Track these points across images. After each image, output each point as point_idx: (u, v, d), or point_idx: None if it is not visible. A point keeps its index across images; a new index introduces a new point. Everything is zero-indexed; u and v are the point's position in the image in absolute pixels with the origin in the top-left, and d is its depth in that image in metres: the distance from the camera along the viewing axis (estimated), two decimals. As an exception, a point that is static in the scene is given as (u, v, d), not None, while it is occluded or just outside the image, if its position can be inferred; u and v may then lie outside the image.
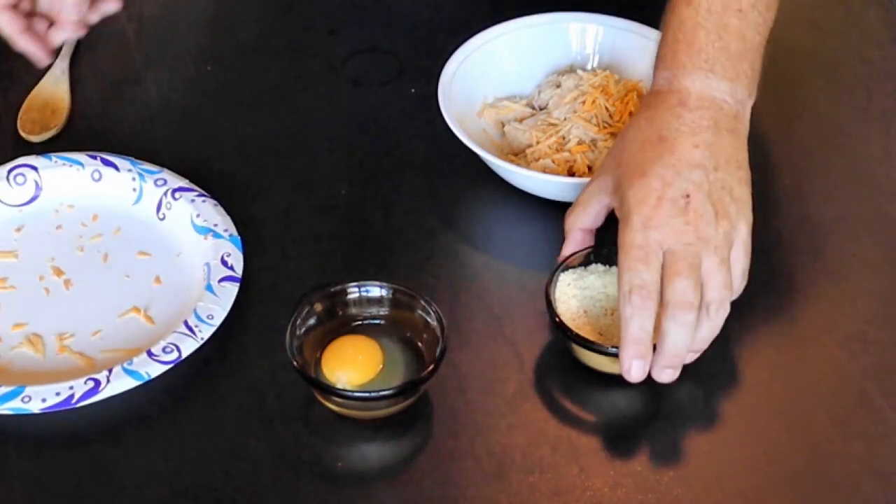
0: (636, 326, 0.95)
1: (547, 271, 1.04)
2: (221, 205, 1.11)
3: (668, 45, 1.03)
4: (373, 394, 0.96)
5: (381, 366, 0.98)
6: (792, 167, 1.18)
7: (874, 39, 1.30)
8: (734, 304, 0.98)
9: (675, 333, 0.95)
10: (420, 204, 1.14)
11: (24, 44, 1.14)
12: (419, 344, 1.00)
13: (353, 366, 0.98)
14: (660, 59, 1.04)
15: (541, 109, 1.18)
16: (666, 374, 0.97)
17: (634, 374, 0.96)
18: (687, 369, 1.01)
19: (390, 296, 1.01)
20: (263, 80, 1.26)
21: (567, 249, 1.04)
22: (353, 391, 0.97)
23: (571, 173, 1.13)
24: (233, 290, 1.04)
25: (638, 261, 0.95)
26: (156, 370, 0.99)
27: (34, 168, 1.13)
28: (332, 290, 1.01)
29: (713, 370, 1.02)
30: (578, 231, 1.03)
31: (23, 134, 1.19)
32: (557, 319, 0.99)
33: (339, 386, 0.97)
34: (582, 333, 0.99)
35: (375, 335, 1.00)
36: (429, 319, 1.00)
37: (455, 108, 1.14)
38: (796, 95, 1.25)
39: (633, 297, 0.95)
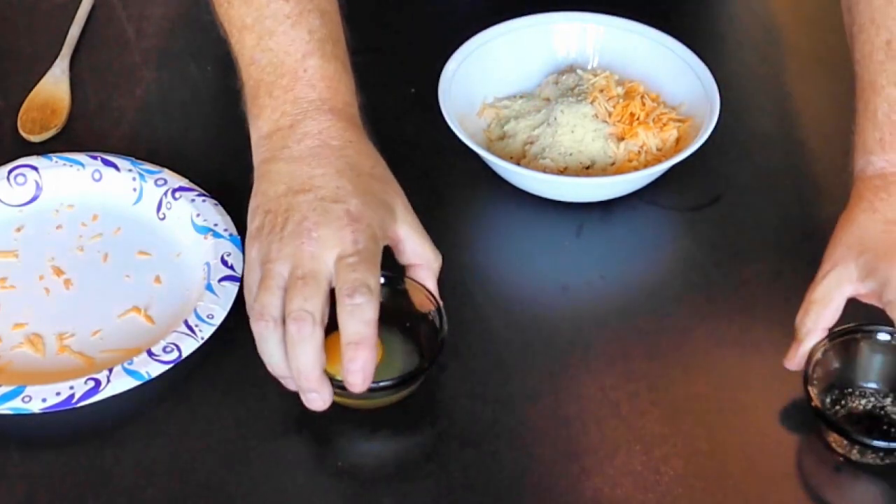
0: None
1: (546, 271, 1.04)
2: (221, 205, 1.11)
3: (882, 128, 1.01)
4: (371, 385, 0.95)
5: (379, 356, 0.98)
6: (792, 167, 1.18)
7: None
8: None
9: None
10: (420, 204, 1.14)
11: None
12: (419, 334, 1.00)
13: None
14: (874, 142, 1.02)
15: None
16: None
17: None
18: (688, 371, 1.01)
19: (389, 285, 1.01)
20: (263, 80, 1.26)
21: (802, 352, 0.99)
22: None
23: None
24: (233, 289, 1.04)
25: None
26: (156, 370, 0.99)
27: (34, 168, 1.13)
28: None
29: (713, 370, 1.02)
30: (821, 331, 0.98)
31: (23, 134, 1.19)
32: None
33: (339, 378, 0.96)
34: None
35: None
36: (429, 310, 0.99)
37: (455, 108, 1.14)
38: (796, 95, 1.25)
39: None
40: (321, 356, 0.93)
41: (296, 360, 0.93)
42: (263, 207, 0.99)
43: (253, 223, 0.99)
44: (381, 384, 0.96)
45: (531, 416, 0.99)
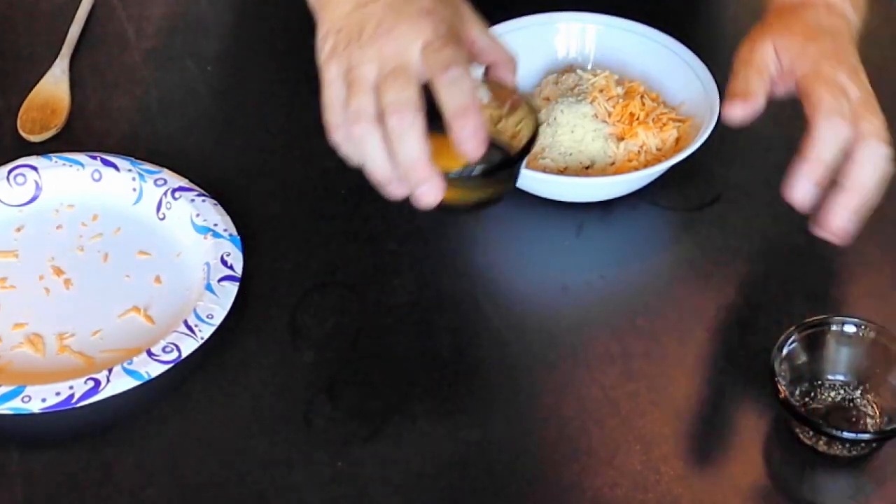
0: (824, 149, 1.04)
1: (547, 271, 1.04)
2: (221, 204, 1.11)
3: None
4: (463, 172, 0.94)
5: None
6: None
7: (874, 39, 1.30)
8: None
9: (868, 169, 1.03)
10: (420, 204, 1.14)
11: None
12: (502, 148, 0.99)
13: (448, 154, 0.94)
14: None
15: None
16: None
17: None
18: (688, 371, 1.02)
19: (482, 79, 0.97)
20: (263, 80, 1.26)
21: (749, 106, 1.06)
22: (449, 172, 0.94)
23: (571, 173, 1.13)
24: (233, 289, 1.04)
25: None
26: (156, 370, 0.99)
27: (34, 168, 1.13)
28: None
29: (715, 371, 1.02)
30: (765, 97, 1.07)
31: (23, 134, 1.19)
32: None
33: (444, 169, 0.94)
34: None
35: None
36: (517, 107, 0.98)
37: (455, 108, 1.14)
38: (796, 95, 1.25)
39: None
40: (426, 143, 0.91)
41: (402, 153, 0.91)
42: (334, 28, 0.96)
43: (325, 48, 0.96)
44: (477, 171, 0.94)
45: (531, 415, 0.99)
